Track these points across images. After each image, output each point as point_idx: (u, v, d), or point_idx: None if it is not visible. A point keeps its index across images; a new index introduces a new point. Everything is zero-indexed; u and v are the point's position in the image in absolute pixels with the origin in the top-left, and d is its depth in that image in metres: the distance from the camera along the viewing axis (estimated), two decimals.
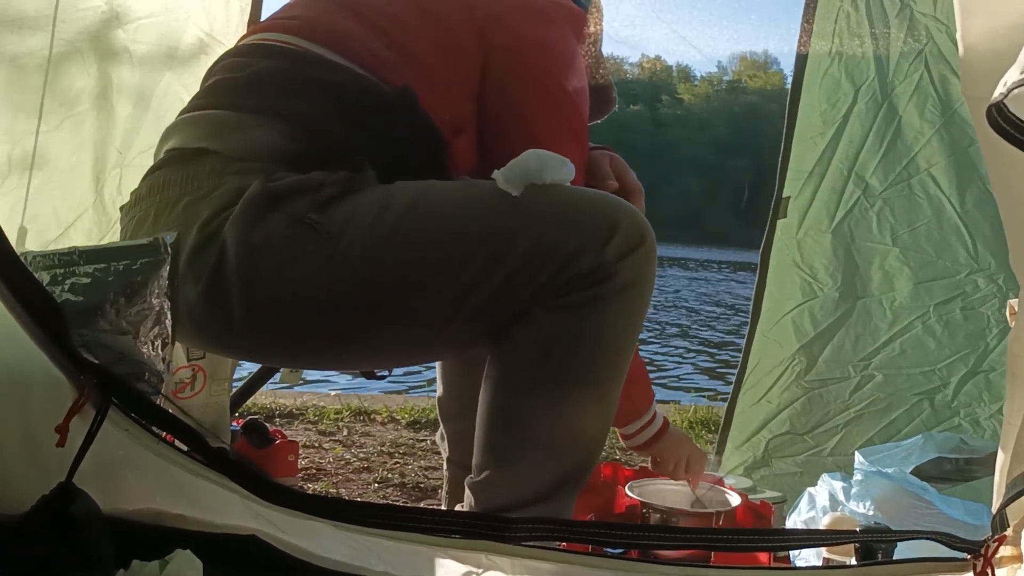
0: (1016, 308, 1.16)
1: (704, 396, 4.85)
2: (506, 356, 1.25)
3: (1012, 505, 1.11)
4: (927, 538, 1.19)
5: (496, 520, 1.10)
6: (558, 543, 1.15)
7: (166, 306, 1.15)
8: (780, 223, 2.39)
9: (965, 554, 1.18)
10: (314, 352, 1.31)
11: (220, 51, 1.59)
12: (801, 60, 2.39)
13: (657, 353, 7.43)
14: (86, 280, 1.09)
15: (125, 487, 1.10)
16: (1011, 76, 0.73)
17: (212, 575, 1.13)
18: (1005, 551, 1.20)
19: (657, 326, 9.54)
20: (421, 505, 2.26)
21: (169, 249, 1.13)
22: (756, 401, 2.44)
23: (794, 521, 1.93)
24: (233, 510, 1.11)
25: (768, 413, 2.42)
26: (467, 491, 1.32)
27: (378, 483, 2.44)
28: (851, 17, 2.28)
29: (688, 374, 6.51)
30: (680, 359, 7.33)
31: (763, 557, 1.71)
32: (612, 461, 2.08)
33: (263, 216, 1.20)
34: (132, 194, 1.33)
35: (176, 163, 1.29)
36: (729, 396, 2.53)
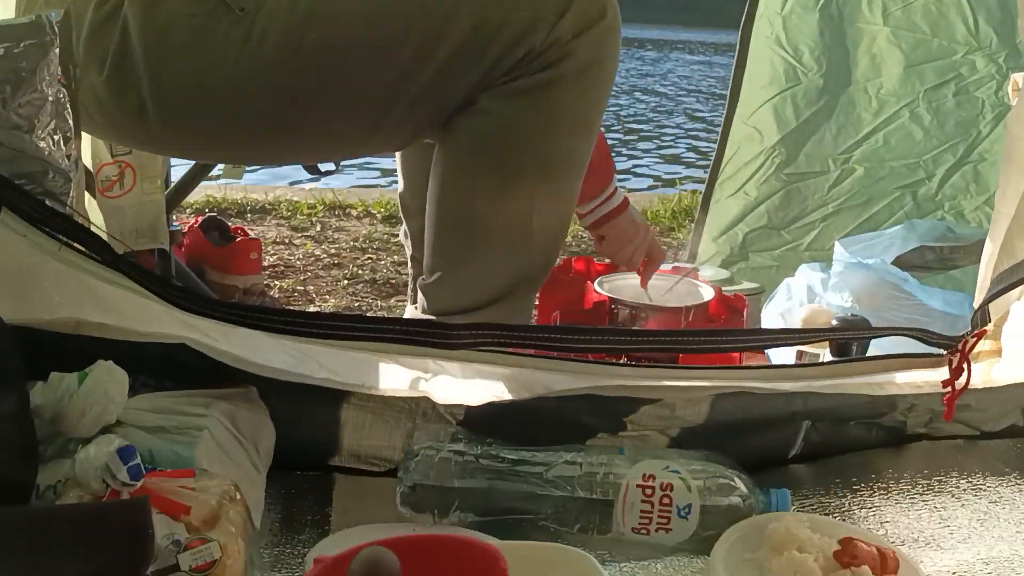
0: (1021, 83, 1.05)
1: (692, 180, 4.75)
2: (452, 149, 1.14)
3: (995, 301, 1.03)
4: (903, 334, 1.13)
5: (436, 327, 1.02)
6: None
7: (63, 96, 1.02)
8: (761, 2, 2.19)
9: (941, 350, 1.13)
10: (240, 146, 1.19)
11: None
12: None
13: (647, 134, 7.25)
14: None
15: (41, 296, 1.01)
16: None
17: (140, 385, 1.07)
18: (984, 345, 1.14)
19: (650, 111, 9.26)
20: (391, 302, 2.21)
21: (56, 29, 0.98)
22: (733, 192, 2.33)
23: (770, 311, 1.89)
24: (159, 319, 1.03)
25: (745, 206, 2.32)
26: (419, 293, 1.24)
27: (348, 279, 2.38)
28: None
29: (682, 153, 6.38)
30: (674, 141, 7.15)
31: (733, 355, 1.67)
32: (585, 256, 2.01)
33: None
34: None
35: None
36: (705, 185, 2.42)
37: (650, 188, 5.10)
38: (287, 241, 2.80)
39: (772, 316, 1.85)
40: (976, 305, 1.10)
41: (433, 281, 1.20)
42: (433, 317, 1.22)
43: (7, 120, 0.97)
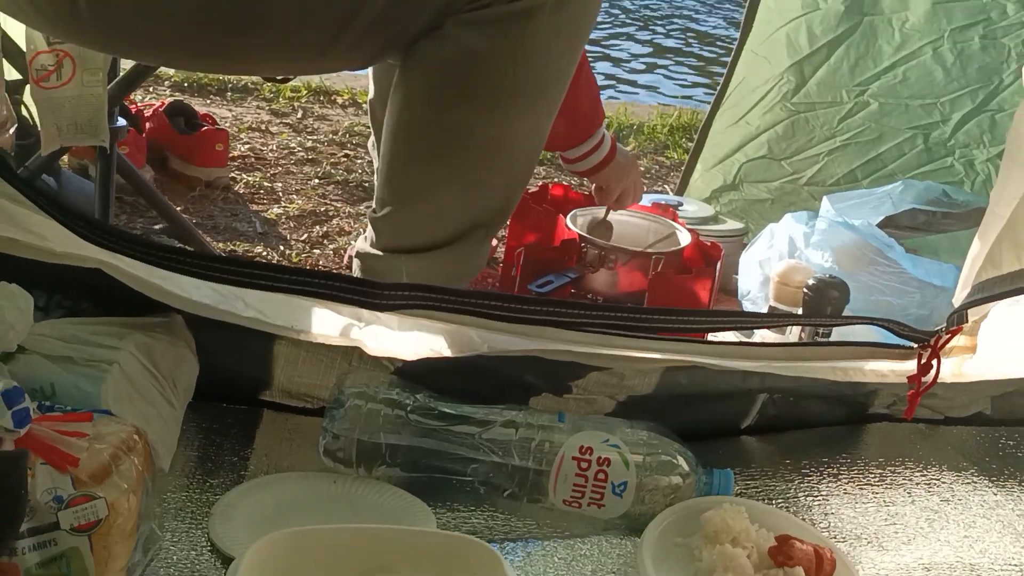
0: None
1: (692, 100, 4.57)
2: (413, 75, 1.04)
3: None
4: (875, 324, 1.06)
5: (365, 285, 0.94)
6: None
7: None
8: None
9: (913, 343, 1.06)
10: (186, 56, 1.09)
11: None
12: None
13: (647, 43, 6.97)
14: None
15: None
16: None
17: (54, 306, 1.00)
18: (959, 341, 1.07)
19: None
20: (359, 207, 2.12)
21: None
22: (734, 121, 2.20)
23: (749, 257, 1.81)
24: (75, 240, 0.95)
25: (746, 135, 2.20)
26: (368, 225, 1.16)
27: (319, 179, 2.28)
28: None
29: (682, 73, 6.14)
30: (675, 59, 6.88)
31: (703, 295, 1.60)
32: (563, 184, 1.91)
33: None
34: None
35: None
36: (706, 114, 2.30)
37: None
38: (263, 128, 2.68)
39: (751, 263, 1.77)
40: (955, 303, 1.02)
41: (383, 215, 1.12)
42: (380, 252, 1.14)
43: None
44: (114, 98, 1.33)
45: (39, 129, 1.56)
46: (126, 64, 1.46)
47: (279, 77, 1.32)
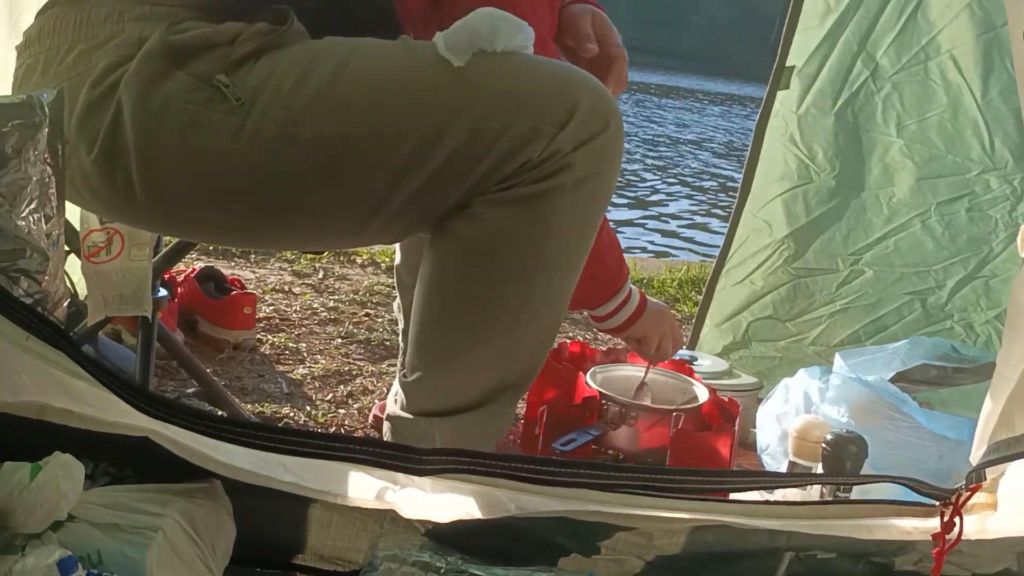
0: None
1: (696, 253, 4.71)
2: (443, 250, 1.11)
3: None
4: (896, 482, 1.08)
5: (406, 451, 0.98)
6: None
7: (47, 175, 0.99)
8: (781, 94, 2.16)
9: (934, 501, 1.08)
10: (226, 233, 1.17)
11: None
12: None
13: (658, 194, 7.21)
14: None
15: (7, 377, 0.98)
16: None
17: (100, 473, 1.03)
18: (979, 498, 1.09)
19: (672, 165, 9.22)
20: (383, 366, 2.18)
21: (47, 110, 0.96)
22: (739, 281, 2.29)
23: (766, 412, 1.84)
24: (124, 408, 1.00)
25: (751, 295, 2.28)
26: (399, 388, 1.21)
27: (342, 338, 2.34)
28: None
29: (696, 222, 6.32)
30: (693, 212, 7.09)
31: (724, 451, 1.62)
32: (581, 341, 1.97)
33: (164, 75, 1.02)
34: (24, 34, 1.15)
35: (70, 2, 1.10)
36: (711, 272, 2.39)
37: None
38: (287, 289, 2.77)
39: (768, 418, 1.80)
40: (972, 461, 1.05)
41: (413, 380, 1.17)
42: (411, 416, 1.18)
43: None
44: (158, 270, 1.41)
45: (79, 299, 1.65)
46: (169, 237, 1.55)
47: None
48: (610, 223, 1.53)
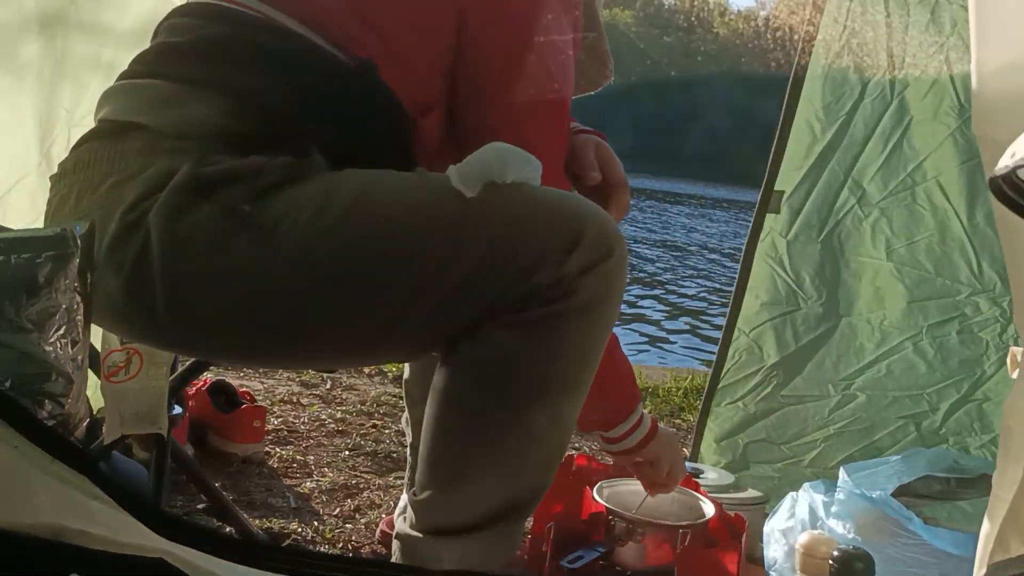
0: (1019, 357, 1.05)
1: (703, 363, 4.73)
2: (453, 371, 1.14)
3: None
4: None
5: (418, 573, 1.00)
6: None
7: (76, 302, 1.04)
8: (770, 217, 2.22)
9: None
10: (243, 353, 1.21)
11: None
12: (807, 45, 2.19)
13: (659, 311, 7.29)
14: None
15: (26, 499, 1.01)
16: (1020, 148, 0.60)
17: None
18: None
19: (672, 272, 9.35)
20: (389, 479, 2.18)
21: (79, 242, 1.01)
22: (733, 401, 2.32)
23: (772, 527, 1.84)
24: (140, 530, 1.02)
25: (745, 418, 2.31)
26: (408, 506, 1.23)
27: (349, 450, 2.36)
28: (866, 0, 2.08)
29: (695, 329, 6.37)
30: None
31: (731, 567, 1.62)
32: (587, 454, 1.98)
33: (192, 205, 1.08)
34: (59, 166, 1.22)
35: (105, 137, 1.17)
36: (706, 387, 2.41)
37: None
38: (295, 400, 2.80)
39: (774, 533, 1.80)
40: None
41: (423, 499, 1.18)
42: (420, 534, 1.19)
43: (16, 324, 0.99)
44: (174, 389, 1.45)
45: (95, 413, 1.68)
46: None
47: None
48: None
